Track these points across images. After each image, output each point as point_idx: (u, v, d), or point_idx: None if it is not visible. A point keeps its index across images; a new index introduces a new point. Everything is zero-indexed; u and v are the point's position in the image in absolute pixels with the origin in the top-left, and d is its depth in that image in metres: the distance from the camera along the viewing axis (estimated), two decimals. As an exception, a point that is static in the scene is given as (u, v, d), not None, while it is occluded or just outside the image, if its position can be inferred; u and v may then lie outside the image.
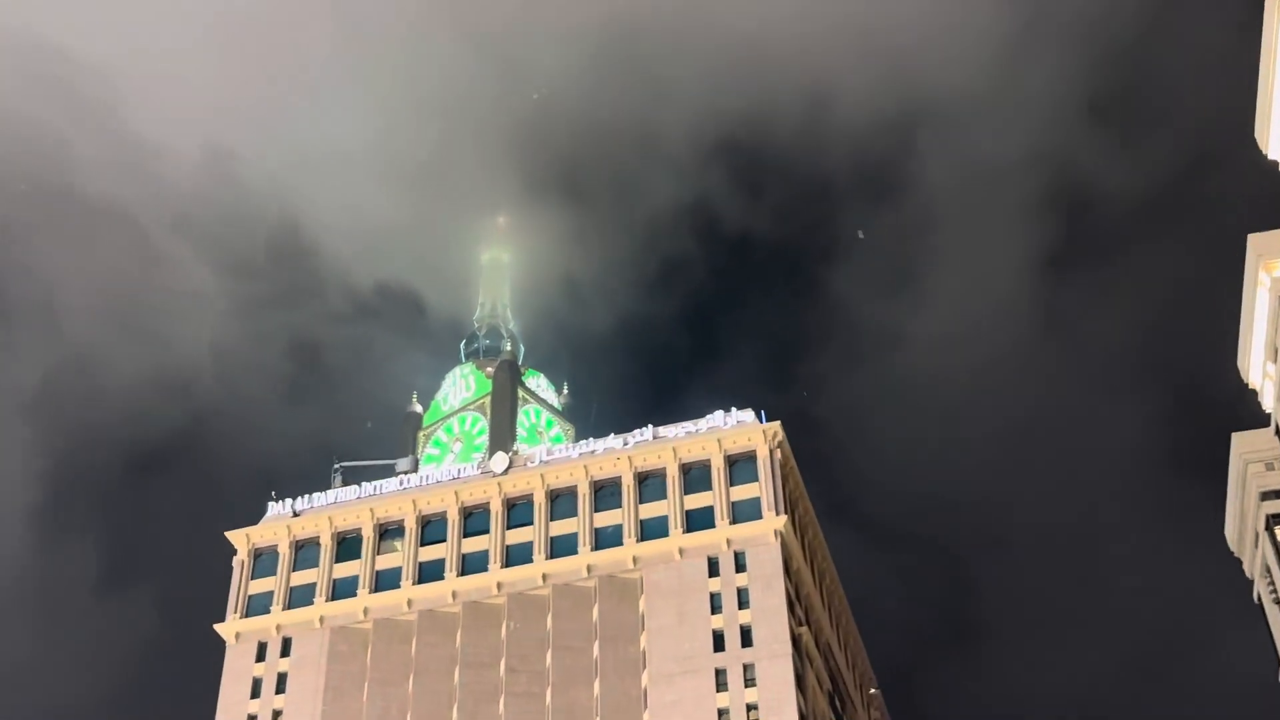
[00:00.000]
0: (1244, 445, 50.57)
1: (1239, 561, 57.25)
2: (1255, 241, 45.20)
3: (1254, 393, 49.90)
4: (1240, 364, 50.59)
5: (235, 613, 51.93)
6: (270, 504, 55.30)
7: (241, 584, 52.88)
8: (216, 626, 51.62)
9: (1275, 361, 48.40)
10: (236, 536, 54.41)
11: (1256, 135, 43.44)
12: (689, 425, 52.69)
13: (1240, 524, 54.13)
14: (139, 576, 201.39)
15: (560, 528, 51.05)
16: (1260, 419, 48.94)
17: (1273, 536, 51.12)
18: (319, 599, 51.45)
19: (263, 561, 53.64)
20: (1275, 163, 44.90)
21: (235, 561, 53.72)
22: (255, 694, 49.02)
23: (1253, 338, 49.34)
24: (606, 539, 49.96)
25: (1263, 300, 46.22)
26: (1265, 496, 50.63)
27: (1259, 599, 53.83)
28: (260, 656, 50.36)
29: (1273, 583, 51.03)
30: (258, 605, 52.25)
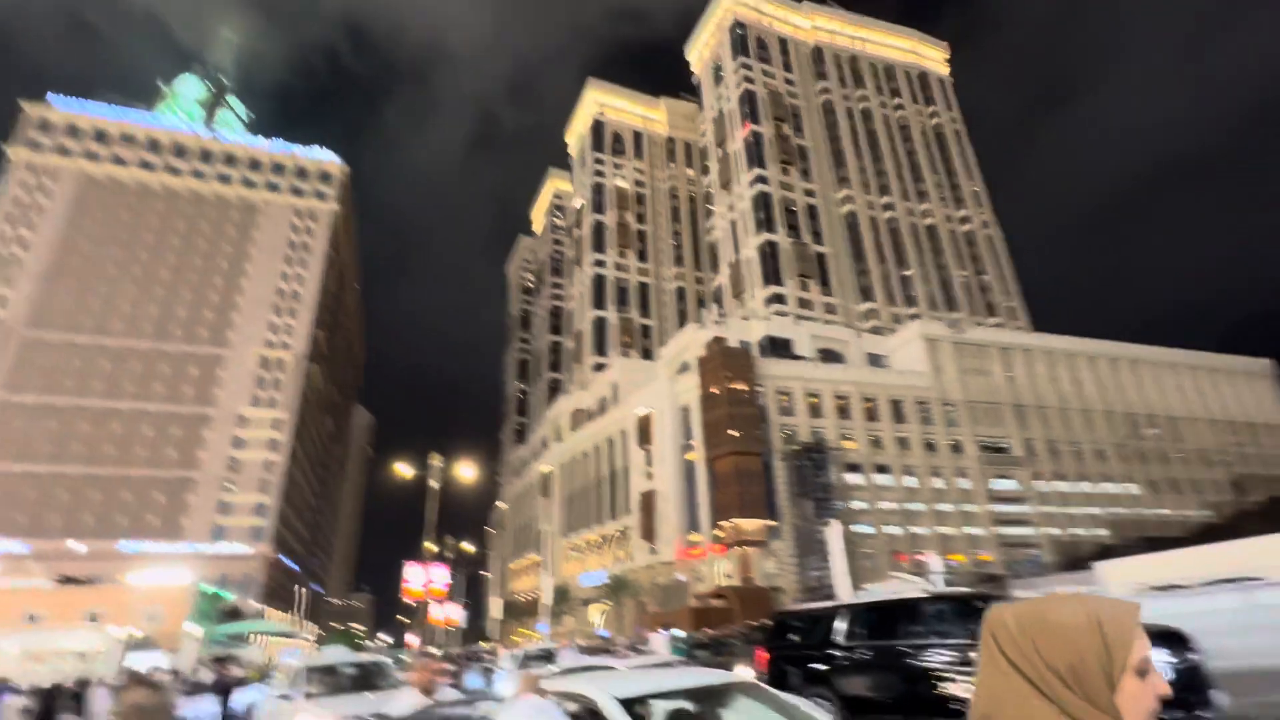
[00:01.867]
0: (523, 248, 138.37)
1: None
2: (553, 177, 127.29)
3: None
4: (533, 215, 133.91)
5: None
6: (57, 99, 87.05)
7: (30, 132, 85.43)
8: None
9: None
10: (30, 105, 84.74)
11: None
12: (305, 148, 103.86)
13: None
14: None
15: (226, 171, 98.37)
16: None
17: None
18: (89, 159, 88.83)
19: (50, 132, 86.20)
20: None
21: (22, 119, 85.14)
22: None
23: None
24: (253, 185, 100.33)
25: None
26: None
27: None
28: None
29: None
30: (48, 149, 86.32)
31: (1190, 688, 5.59)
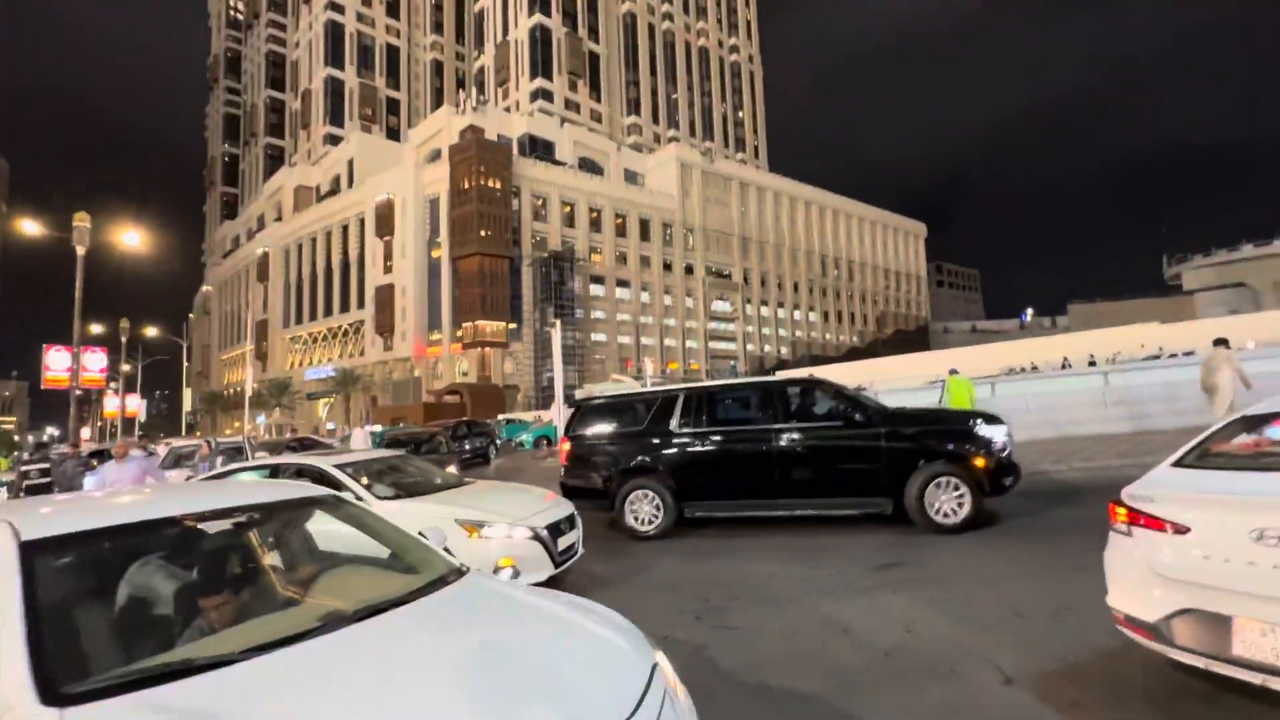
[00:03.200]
0: None
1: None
2: None
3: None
4: None
5: None
6: None
7: None
8: None
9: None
10: None
11: None
12: None
13: None
14: None
15: None
16: None
17: None
18: None
19: None
20: None
21: None
22: None
23: None
24: None
25: None
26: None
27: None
28: None
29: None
30: None
31: (1012, 459, 6.83)
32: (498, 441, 22.55)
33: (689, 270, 76.98)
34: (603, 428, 8.42)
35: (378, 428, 26.30)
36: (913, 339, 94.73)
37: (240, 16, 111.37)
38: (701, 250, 78.05)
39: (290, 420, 67.05)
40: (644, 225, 73.33)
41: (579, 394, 22.50)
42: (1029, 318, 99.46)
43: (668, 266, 74.93)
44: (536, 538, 5.22)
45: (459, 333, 60.27)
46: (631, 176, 77.42)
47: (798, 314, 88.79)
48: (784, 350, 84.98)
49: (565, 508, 5.90)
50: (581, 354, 62.13)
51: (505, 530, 5.17)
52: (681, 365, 73.23)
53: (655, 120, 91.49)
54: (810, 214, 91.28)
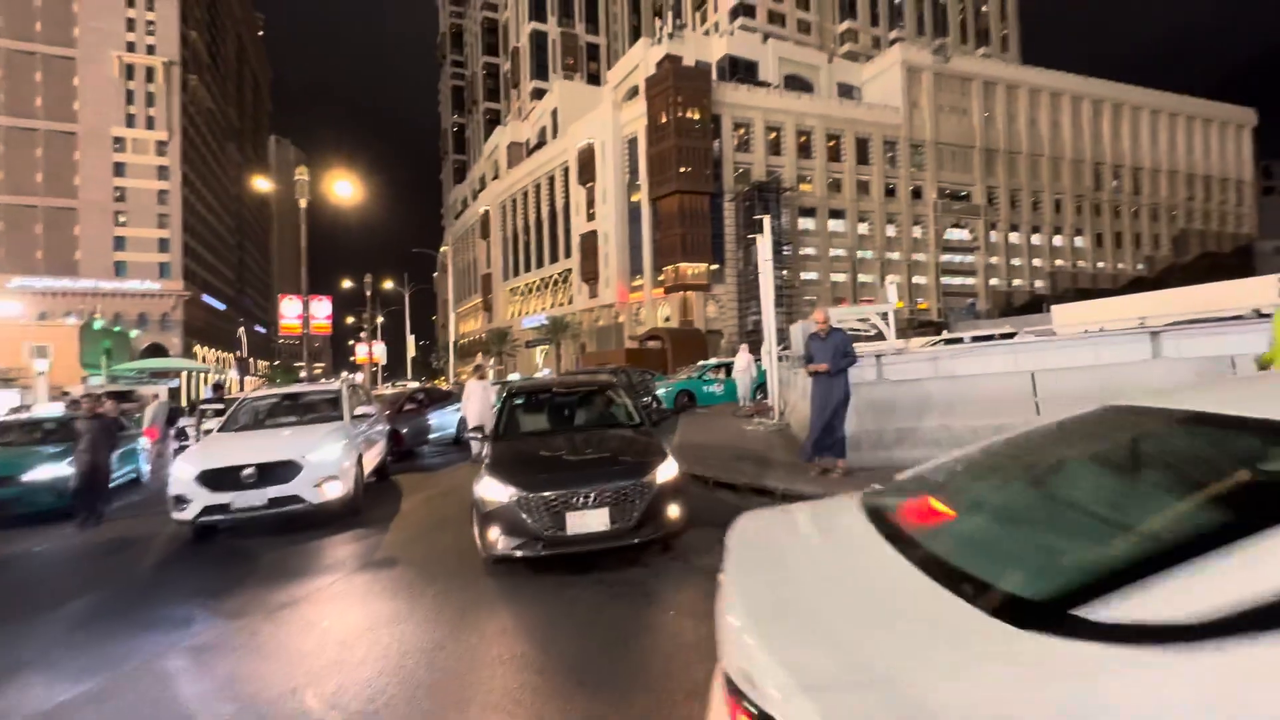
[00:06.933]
0: None
1: None
2: None
3: None
4: None
5: None
6: None
7: None
8: None
9: None
10: None
11: None
12: None
13: None
14: None
15: None
16: None
17: None
18: None
19: None
20: None
21: None
22: None
23: None
24: None
25: None
26: None
27: None
28: None
29: None
30: None
31: None
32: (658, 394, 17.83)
33: (916, 194, 66.18)
34: None
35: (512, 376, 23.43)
36: (1227, 264, 72.51)
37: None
38: (933, 169, 66.48)
39: (507, 367, 71.28)
40: (861, 145, 64.05)
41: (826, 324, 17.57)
42: None
43: (890, 191, 65.06)
44: None
45: (660, 277, 58.15)
46: (846, 90, 67.84)
47: (1058, 239, 72.76)
48: (1039, 284, 70.41)
49: None
50: (790, 294, 56.52)
51: None
52: (908, 304, 63.86)
53: (874, 22, 79.21)
54: (1080, 112, 73.19)
